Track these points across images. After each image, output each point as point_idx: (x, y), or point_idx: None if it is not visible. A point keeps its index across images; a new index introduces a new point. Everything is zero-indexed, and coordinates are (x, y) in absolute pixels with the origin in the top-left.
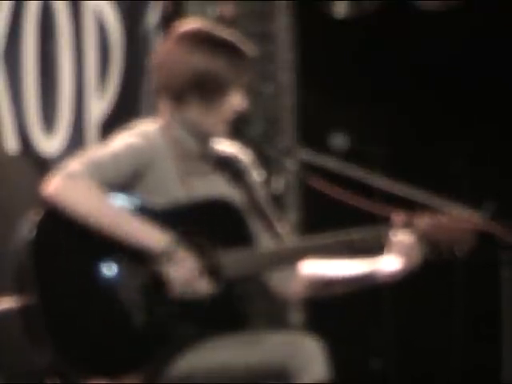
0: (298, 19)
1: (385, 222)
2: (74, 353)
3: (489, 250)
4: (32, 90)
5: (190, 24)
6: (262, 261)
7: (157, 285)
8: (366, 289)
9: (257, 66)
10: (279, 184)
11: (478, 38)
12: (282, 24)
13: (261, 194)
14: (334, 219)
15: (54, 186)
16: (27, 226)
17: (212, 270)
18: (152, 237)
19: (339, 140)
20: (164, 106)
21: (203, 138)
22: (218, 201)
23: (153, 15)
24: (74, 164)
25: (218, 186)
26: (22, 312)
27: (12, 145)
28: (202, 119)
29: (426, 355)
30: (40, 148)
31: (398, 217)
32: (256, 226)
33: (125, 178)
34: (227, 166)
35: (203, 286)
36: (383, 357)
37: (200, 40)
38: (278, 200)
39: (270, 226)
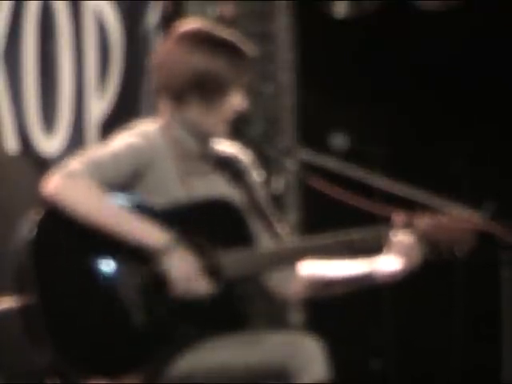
0: (298, 19)
1: (385, 222)
2: (74, 352)
3: (489, 250)
4: (32, 90)
5: (190, 24)
6: (262, 261)
7: (157, 284)
8: (365, 289)
9: (257, 66)
10: (279, 184)
11: (477, 37)
12: (282, 24)
13: (261, 194)
14: (333, 219)
15: (54, 185)
16: (27, 226)
17: (212, 270)
18: (152, 235)
19: (339, 140)
20: (164, 105)
21: (203, 137)
22: (218, 201)
23: (153, 15)
24: (74, 163)
25: (218, 186)
26: (22, 312)
27: (12, 145)
28: (202, 119)
29: (426, 355)
30: (40, 148)
31: (398, 217)
32: (256, 226)
33: (125, 178)
34: (227, 166)
35: (203, 285)
36: (383, 357)
37: (200, 40)
38: (277, 200)
39: (269, 226)
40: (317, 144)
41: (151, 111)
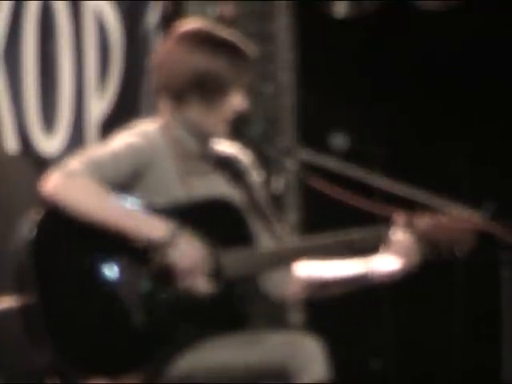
0: (298, 19)
1: (385, 221)
2: (74, 352)
3: (489, 250)
4: (32, 90)
5: (190, 24)
6: (262, 261)
7: (157, 284)
8: (365, 289)
9: (257, 66)
10: (279, 184)
11: (478, 37)
12: (282, 24)
13: (261, 194)
14: (334, 219)
15: (54, 184)
16: (27, 226)
17: (212, 270)
18: (155, 227)
19: (339, 140)
20: (164, 105)
21: (203, 137)
22: (218, 200)
23: (153, 15)
24: (74, 163)
25: (218, 186)
26: (22, 311)
27: (12, 145)
28: (202, 119)
29: (426, 355)
30: (40, 148)
31: (398, 217)
32: (256, 226)
33: (124, 178)
34: (227, 166)
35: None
36: (383, 357)
37: (200, 40)
38: (277, 200)
39: (269, 226)
40: (317, 144)
41: (151, 111)
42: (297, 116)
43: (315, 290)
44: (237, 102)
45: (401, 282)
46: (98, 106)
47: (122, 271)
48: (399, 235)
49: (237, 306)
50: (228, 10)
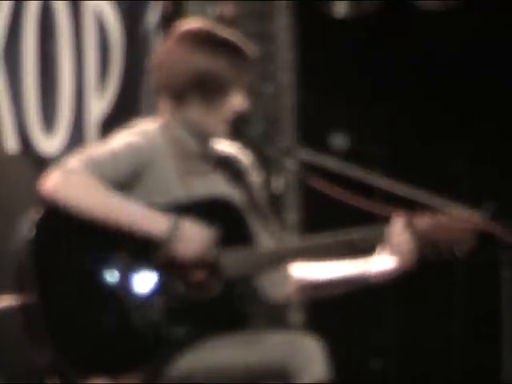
0: (298, 19)
1: (385, 221)
2: (74, 352)
3: (489, 250)
4: (32, 90)
5: (190, 24)
6: (262, 260)
7: (159, 282)
8: (364, 289)
9: (257, 66)
10: (279, 184)
11: (478, 37)
12: (282, 24)
13: (260, 194)
14: (334, 219)
15: (53, 182)
16: (27, 225)
17: (212, 270)
18: (157, 221)
19: (339, 140)
20: (164, 105)
21: (203, 137)
22: (219, 200)
23: (153, 15)
24: (73, 161)
25: (218, 186)
26: (22, 311)
27: (12, 144)
28: (202, 119)
29: (426, 355)
30: (40, 147)
31: (397, 216)
32: (256, 226)
33: (124, 177)
34: (227, 166)
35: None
36: (383, 357)
37: (201, 40)
38: (277, 200)
39: (269, 226)
40: (317, 144)
41: (151, 111)
42: (297, 116)
43: (311, 291)
44: (237, 102)
45: (401, 282)
46: (97, 106)
47: (121, 270)
48: (396, 234)
49: (237, 305)
50: (228, 9)
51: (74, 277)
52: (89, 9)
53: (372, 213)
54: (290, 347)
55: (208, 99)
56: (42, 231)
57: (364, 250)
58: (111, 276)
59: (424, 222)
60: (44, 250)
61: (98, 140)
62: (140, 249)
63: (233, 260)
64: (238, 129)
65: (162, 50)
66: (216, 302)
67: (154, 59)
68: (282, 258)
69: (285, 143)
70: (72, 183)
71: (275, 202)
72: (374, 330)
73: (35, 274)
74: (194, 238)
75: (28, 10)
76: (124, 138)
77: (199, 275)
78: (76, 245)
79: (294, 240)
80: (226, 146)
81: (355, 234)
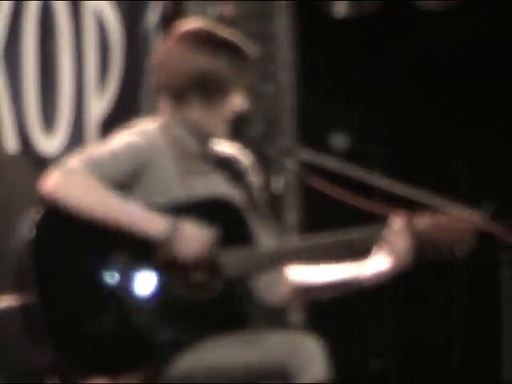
0: (298, 19)
1: (385, 221)
2: (74, 352)
3: (489, 250)
4: (32, 90)
5: (190, 24)
6: (262, 260)
7: (160, 281)
8: (364, 289)
9: (257, 66)
10: (279, 184)
11: (478, 37)
12: (282, 24)
13: (260, 194)
14: (334, 219)
15: (53, 182)
16: (27, 225)
17: (212, 269)
18: (156, 222)
19: (339, 140)
20: (164, 105)
21: (203, 137)
22: (219, 200)
23: (153, 15)
24: (73, 161)
25: (218, 186)
26: (22, 311)
27: (12, 144)
28: (202, 119)
29: (426, 355)
30: (40, 147)
31: (396, 216)
32: (256, 226)
33: (124, 177)
34: (227, 166)
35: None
36: (383, 357)
37: (201, 40)
38: (277, 200)
39: (269, 226)
40: (317, 144)
41: (151, 111)
42: (297, 116)
43: (305, 294)
44: (237, 102)
45: (401, 282)
46: (97, 106)
47: (121, 271)
48: (393, 233)
49: (237, 305)
50: (228, 9)
51: (74, 277)
52: (89, 9)
53: (372, 213)
54: (290, 347)
55: (208, 99)
56: (42, 231)
57: (364, 250)
58: (111, 276)
59: (424, 221)
60: (44, 250)
61: (98, 140)
62: (140, 249)
63: (233, 260)
64: (238, 129)
65: (162, 50)
66: (216, 302)
67: (153, 59)
68: (282, 257)
69: (285, 143)
70: (72, 183)
71: (275, 202)
72: (374, 330)
73: (35, 274)
74: (193, 238)
75: (28, 10)
76: (124, 138)
77: (199, 275)
78: (76, 245)
79: (293, 240)
80: (225, 146)
81: (355, 234)
